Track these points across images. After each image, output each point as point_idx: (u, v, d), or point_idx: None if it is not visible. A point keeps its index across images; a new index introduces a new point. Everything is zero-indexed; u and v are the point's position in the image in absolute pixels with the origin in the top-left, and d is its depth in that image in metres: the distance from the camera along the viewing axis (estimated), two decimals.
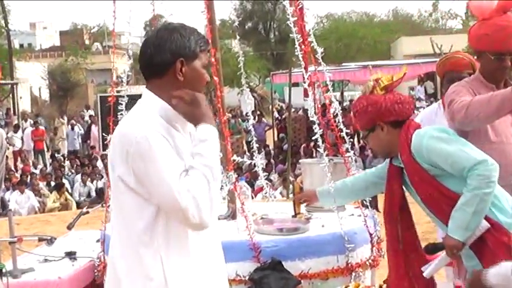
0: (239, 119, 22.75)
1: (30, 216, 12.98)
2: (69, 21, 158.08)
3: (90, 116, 25.19)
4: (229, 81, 26.23)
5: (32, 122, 24.61)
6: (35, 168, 18.67)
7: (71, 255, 4.98)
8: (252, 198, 10.01)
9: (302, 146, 18.84)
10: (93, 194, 15.41)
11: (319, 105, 4.98)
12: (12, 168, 18.39)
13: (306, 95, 5.69)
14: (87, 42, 64.76)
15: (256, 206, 5.22)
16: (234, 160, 5.31)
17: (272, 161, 16.82)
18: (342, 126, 4.74)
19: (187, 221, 2.45)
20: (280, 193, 12.26)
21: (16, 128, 23.08)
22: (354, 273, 4.40)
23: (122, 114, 4.98)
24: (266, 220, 4.71)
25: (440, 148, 3.38)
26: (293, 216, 4.61)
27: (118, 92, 5.18)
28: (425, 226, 4.08)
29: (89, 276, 4.84)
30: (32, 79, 39.28)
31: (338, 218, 4.45)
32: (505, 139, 3.80)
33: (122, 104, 5.00)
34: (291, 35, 4.59)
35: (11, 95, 30.72)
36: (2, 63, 32.53)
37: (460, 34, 37.72)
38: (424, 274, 3.50)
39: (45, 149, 22.42)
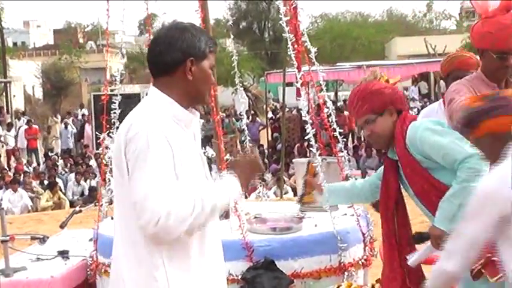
0: (233, 119, 22.72)
1: (23, 215, 12.95)
2: (63, 19, 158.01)
3: (83, 115, 25.11)
4: (224, 81, 26.18)
5: (25, 120, 24.55)
6: (30, 166, 18.64)
7: (63, 254, 4.97)
8: (246, 197, 10.03)
9: (296, 146, 18.85)
10: (87, 193, 15.39)
11: (313, 105, 4.98)
12: (5, 167, 18.35)
13: (298, 94, 5.68)
14: (81, 40, 64.63)
15: (249, 206, 5.22)
16: (228, 159, 5.30)
17: (266, 160, 16.82)
18: (335, 126, 4.74)
19: (143, 225, 2.43)
20: (274, 193, 12.27)
21: (9, 126, 23.01)
22: (346, 273, 4.41)
23: (115, 113, 4.98)
24: (259, 219, 4.71)
25: (434, 140, 3.39)
26: (301, 197, 4.53)
27: (112, 90, 5.18)
28: (418, 226, 4.09)
29: (82, 275, 4.84)
30: (25, 77, 39.11)
31: (331, 217, 4.45)
32: None
33: (115, 103, 5.00)
34: (284, 34, 4.59)
35: (4, 94, 30.58)
36: None
37: (454, 35, 37.91)
38: (409, 262, 3.52)
39: (39, 148, 22.38)
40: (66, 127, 23.25)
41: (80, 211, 5.51)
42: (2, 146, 21.69)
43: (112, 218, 5.29)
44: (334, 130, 4.74)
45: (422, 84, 30.56)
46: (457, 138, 3.34)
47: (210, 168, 3.25)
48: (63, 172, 17.54)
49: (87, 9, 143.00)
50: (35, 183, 15.41)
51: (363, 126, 3.65)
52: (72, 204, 14.22)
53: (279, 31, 41.93)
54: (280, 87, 20.36)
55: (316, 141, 4.53)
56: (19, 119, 26.18)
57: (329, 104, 4.83)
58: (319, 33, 42.21)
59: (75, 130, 23.34)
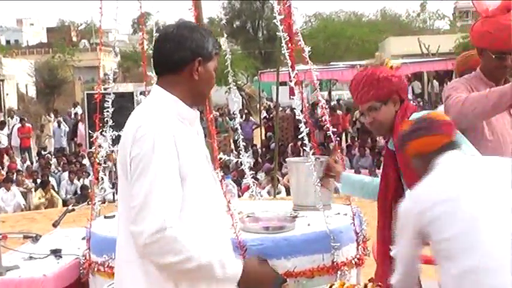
0: (226, 118, 22.74)
1: (16, 214, 12.93)
2: (57, 18, 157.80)
3: (75, 114, 25.03)
4: (217, 80, 25.98)
5: (18, 119, 24.49)
6: (23, 164, 18.60)
7: (56, 252, 4.95)
8: (239, 196, 10.03)
9: (289, 145, 18.87)
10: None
11: (307, 104, 4.98)
12: None
13: (292, 94, 5.68)
14: (74, 39, 64.55)
15: (242, 205, 5.22)
16: (221, 158, 5.30)
17: (259, 159, 16.83)
18: (328, 125, 4.74)
19: (138, 233, 2.41)
20: (268, 192, 12.28)
21: (2, 125, 22.96)
22: (339, 272, 4.41)
23: (108, 111, 4.97)
24: (252, 218, 4.71)
25: None
26: (323, 177, 4.39)
27: (105, 89, 5.17)
28: None
29: (74, 274, 4.82)
30: (18, 76, 39.02)
31: (324, 216, 4.46)
32: (501, 138, 3.79)
33: (108, 102, 4.99)
34: (278, 33, 4.59)
35: None
36: None
37: (448, 35, 37.99)
38: (391, 253, 3.52)
39: (32, 146, 22.33)
40: (59, 126, 23.19)
41: (73, 210, 5.50)
42: None
43: (105, 217, 5.30)
44: (328, 129, 4.74)
45: (416, 84, 30.57)
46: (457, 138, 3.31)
47: None
48: (56, 171, 17.51)
49: (81, 8, 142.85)
50: (28, 182, 15.38)
51: (366, 112, 3.60)
52: (65, 203, 14.19)
53: (272, 30, 41.95)
54: (274, 87, 20.39)
55: (309, 141, 4.53)
56: (12, 117, 26.13)
57: (322, 103, 4.82)
58: (313, 33, 42.28)
59: (67, 129, 23.26)
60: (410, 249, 2.81)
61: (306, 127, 4.54)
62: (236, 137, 6.35)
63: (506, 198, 2.64)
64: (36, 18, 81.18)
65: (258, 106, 26.93)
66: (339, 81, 27.22)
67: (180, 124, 2.55)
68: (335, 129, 4.89)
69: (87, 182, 15.25)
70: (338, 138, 4.94)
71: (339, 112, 22.43)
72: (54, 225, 5.24)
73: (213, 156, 4.74)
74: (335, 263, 4.40)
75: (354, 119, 23.39)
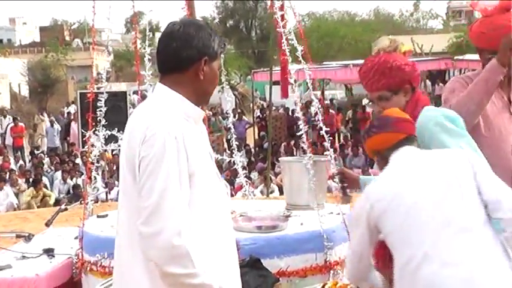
0: (219, 117, 22.72)
1: (8, 213, 12.87)
2: (50, 17, 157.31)
3: (68, 113, 24.94)
4: None
5: (11, 118, 24.41)
6: (16, 163, 18.55)
7: (49, 252, 4.95)
8: (232, 196, 10.04)
9: (283, 145, 18.87)
10: None
11: (301, 104, 4.98)
12: None
13: (284, 94, 5.68)
14: (67, 38, 64.35)
15: (235, 204, 5.23)
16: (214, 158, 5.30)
17: (252, 159, 16.82)
18: (321, 124, 4.74)
19: (150, 234, 2.38)
20: (261, 191, 12.27)
21: None
22: (332, 271, 4.42)
23: (101, 110, 4.97)
24: (245, 218, 4.72)
25: (442, 138, 3.22)
26: (344, 194, 4.17)
27: (98, 88, 5.17)
28: None
29: (67, 273, 4.82)
30: (11, 75, 38.89)
31: (318, 216, 4.46)
32: (498, 133, 3.76)
33: (101, 101, 4.99)
34: (274, 31, 4.59)
35: None
36: None
37: (441, 34, 38.06)
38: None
39: (25, 146, 22.26)
40: (52, 125, 23.12)
41: (66, 209, 5.49)
42: None
43: (98, 216, 5.29)
44: (321, 129, 4.74)
45: None
46: (466, 142, 3.23)
47: None
48: (49, 170, 17.46)
49: (74, 7, 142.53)
50: (21, 181, 15.33)
51: (375, 101, 3.46)
52: (58, 202, 14.15)
53: (266, 30, 42.02)
54: (267, 86, 20.37)
55: (306, 140, 4.53)
56: (5, 116, 26.03)
57: (315, 102, 4.83)
58: (306, 32, 42.19)
59: (60, 128, 23.19)
60: (360, 245, 2.88)
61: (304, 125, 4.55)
62: (229, 137, 6.35)
63: (452, 191, 2.71)
64: (29, 17, 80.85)
65: (251, 105, 26.92)
66: (332, 80, 27.20)
67: (186, 123, 2.53)
68: (328, 129, 4.88)
69: (80, 181, 15.22)
70: (331, 138, 4.94)
71: (331, 111, 22.47)
72: (47, 224, 5.23)
73: None
74: (328, 262, 4.41)
75: (346, 118, 23.40)
